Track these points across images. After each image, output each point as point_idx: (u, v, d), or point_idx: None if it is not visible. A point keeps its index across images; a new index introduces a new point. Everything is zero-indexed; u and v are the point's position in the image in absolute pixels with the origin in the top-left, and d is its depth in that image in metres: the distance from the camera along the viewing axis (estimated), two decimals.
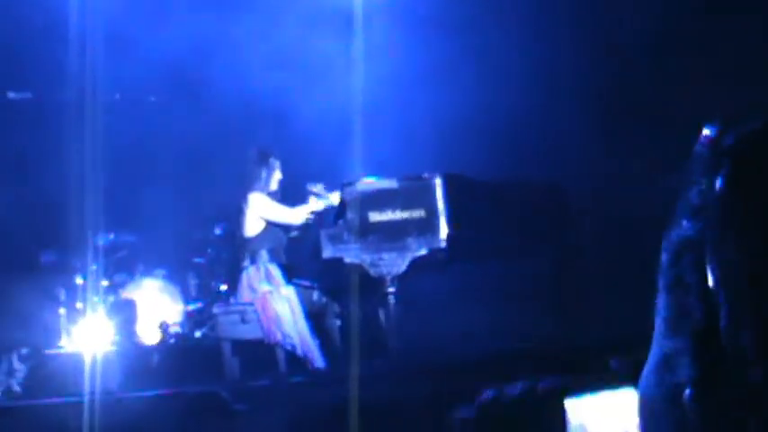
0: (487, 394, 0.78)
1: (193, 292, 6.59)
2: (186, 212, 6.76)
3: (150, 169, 7.14)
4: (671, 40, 5.73)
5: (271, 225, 5.40)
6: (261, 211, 5.35)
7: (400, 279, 5.04)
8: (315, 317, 5.29)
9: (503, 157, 5.89)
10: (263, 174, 5.42)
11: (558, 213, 5.53)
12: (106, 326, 6.24)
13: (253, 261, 5.37)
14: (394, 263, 5.03)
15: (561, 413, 0.81)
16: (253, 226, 5.39)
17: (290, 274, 5.42)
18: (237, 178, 5.47)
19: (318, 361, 5.11)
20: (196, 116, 7.21)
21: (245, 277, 5.38)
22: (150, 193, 7.01)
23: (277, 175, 5.49)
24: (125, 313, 6.27)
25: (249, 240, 5.41)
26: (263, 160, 5.45)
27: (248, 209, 5.34)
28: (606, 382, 0.84)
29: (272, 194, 5.45)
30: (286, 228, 5.49)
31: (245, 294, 5.33)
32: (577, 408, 0.80)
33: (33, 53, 6.80)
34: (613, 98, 5.96)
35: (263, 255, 5.35)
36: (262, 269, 5.35)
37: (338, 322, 5.39)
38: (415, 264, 5.04)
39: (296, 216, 5.37)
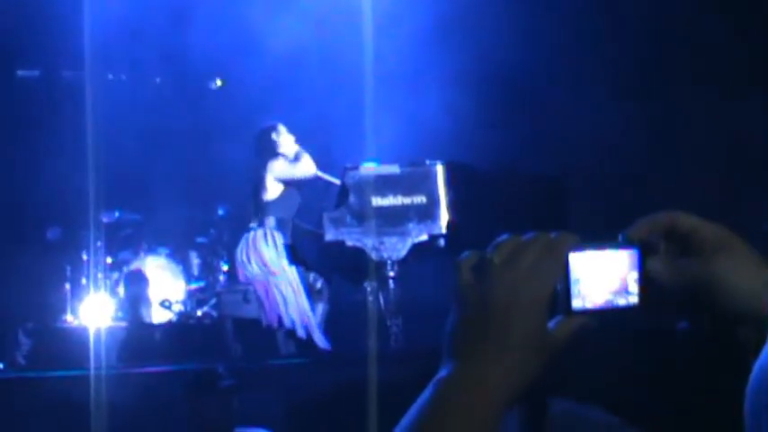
0: (502, 237, 0.84)
1: (196, 271, 6.58)
2: (190, 193, 6.73)
3: (156, 149, 7.09)
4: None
5: (288, 192, 5.32)
6: (280, 172, 5.28)
7: (401, 263, 5.05)
8: (310, 298, 5.26)
9: (512, 147, 5.84)
10: (274, 145, 5.36)
11: (559, 205, 5.51)
12: (112, 300, 6.21)
13: (261, 224, 5.30)
14: (395, 247, 5.05)
15: (565, 265, 0.84)
16: (272, 190, 5.32)
17: (293, 253, 5.38)
18: (254, 152, 5.41)
19: (322, 341, 5.08)
20: (202, 98, 7.20)
21: (250, 238, 5.29)
22: (156, 172, 6.98)
23: (288, 140, 5.43)
24: (138, 285, 6.22)
25: (265, 204, 5.32)
26: (269, 133, 5.41)
27: (267, 174, 5.28)
28: (610, 244, 0.87)
29: (289, 157, 5.39)
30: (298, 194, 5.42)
31: (245, 264, 5.27)
32: (579, 261, 0.85)
33: (40, 31, 6.75)
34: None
35: (272, 221, 5.31)
36: (268, 234, 5.27)
37: (325, 307, 5.33)
38: (416, 249, 5.05)
39: (306, 166, 5.30)
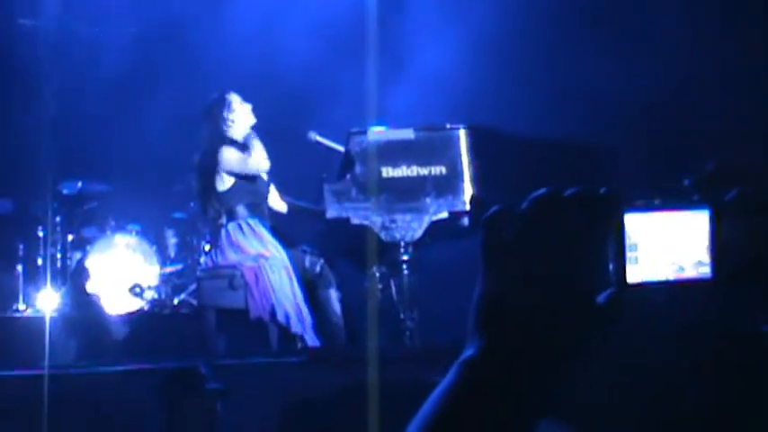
0: (541, 190, 0.85)
1: (172, 252, 6.55)
2: (166, 160, 6.65)
3: (127, 110, 7.03)
4: None
5: (244, 179, 5.29)
6: (229, 164, 5.19)
7: (416, 245, 4.98)
8: (307, 286, 5.17)
9: (544, 112, 5.77)
10: (224, 124, 5.24)
11: (600, 177, 5.41)
12: (72, 285, 6.26)
13: (231, 218, 5.25)
14: (409, 226, 4.96)
15: (619, 227, 0.82)
16: (227, 179, 5.24)
17: (279, 236, 5.27)
18: (202, 132, 5.32)
19: (312, 338, 4.98)
20: (181, 55, 7.11)
21: (223, 236, 5.27)
22: (126, 136, 6.93)
23: (244, 120, 5.30)
24: (77, 276, 6.17)
25: (226, 195, 5.28)
26: (220, 108, 5.30)
27: (217, 165, 5.23)
28: (676, 201, 0.84)
29: (240, 144, 5.26)
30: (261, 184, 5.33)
31: (228, 255, 5.18)
32: (637, 223, 0.82)
33: None
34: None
35: (241, 210, 5.27)
36: (244, 225, 5.23)
37: (337, 294, 5.24)
38: (434, 228, 4.97)
39: (257, 159, 5.19)
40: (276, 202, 5.56)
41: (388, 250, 4.98)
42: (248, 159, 5.24)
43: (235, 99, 5.34)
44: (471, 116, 5.36)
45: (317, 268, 5.27)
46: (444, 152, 5.01)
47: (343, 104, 6.58)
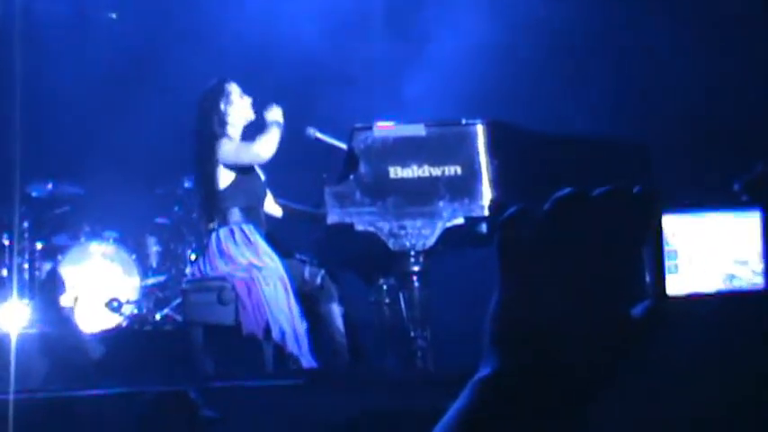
0: (565, 190, 0.85)
1: (154, 262, 6.56)
2: (148, 159, 6.66)
3: (105, 104, 7.05)
4: None
5: (243, 177, 5.31)
6: (228, 157, 5.21)
7: (428, 255, 4.96)
8: (305, 301, 5.18)
9: (571, 106, 5.79)
10: (219, 117, 5.26)
11: (635, 177, 5.40)
12: (41, 298, 6.28)
13: (223, 222, 5.26)
14: (420, 233, 4.95)
15: (657, 231, 0.81)
16: (224, 177, 5.28)
17: (275, 244, 5.28)
18: (196, 125, 5.35)
19: (307, 358, 5.00)
20: (168, 46, 7.17)
21: (213, 242, 5.27)
22: (103, 133, 6.96)
23: (243, 116, 5.33)
24: (48, 289, 6.20)
25: (217, 195, 5.28)
26: (217, 99, 5.31)
27: (215, 159, 5.22)
28: (722, 202, 0.84)
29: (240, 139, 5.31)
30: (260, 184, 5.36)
31: (217, 265, 5.19)
32: (678, 226, 0.82)
33: None
34: None
35: (236, 214, 5.28)
36: (237, 232, 5.22)
37: (339, 309, 5.25)
38: (448, 236, 4.95)
39: (264, 147, 5.20)
40: (270, 205, 5.56)
41: (396, 260, 4.98)
42: (252, 146, 5.25)
43: (234, 90, 5.36)
44: (489, 111, 5.37)
45: (317, 280, 5.27)
46: (460, 150, 5.00)
47: (347, 97, 6.60)
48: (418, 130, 5.05)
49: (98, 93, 7.07)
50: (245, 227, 5.26)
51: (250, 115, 5.39)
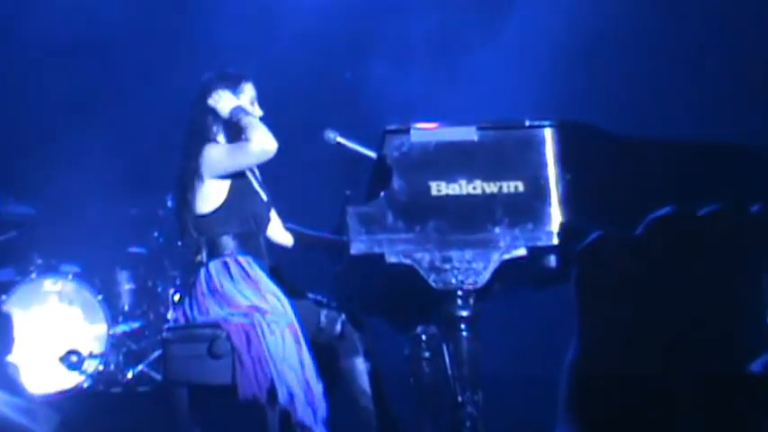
0: (662, 210, 0.87)
1: (126, 304, 6.59)
2: (122, 172, 6.71)
3: (64, 102, 7.12)
4: None
5: (239, 194, 5.36)
6: (214, 165, 5.25)
7: (480, 295, 4.97)
8: (321, 354, 5.20)
9: (664, 105, 5.82)
10: (214, 116, 5.33)
11: (749, 192, 5.40)
12: None
13: (213, 254, 5.29)
14: (470, 268, 4.96)
15: None
16: (207, 198, 5.29)
17: (282, 281, 5.32)
18: (186, 130, 5.44)
19: (323, 429, 5.05)
20: (151, 45, 7.29)
21: (202, 278, 5.30)
22: (62, 138, 7.01)
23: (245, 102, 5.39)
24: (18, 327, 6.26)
25: (204, 221, 5.33)
26: (216, 86, 5.38)
27: (201, 169, 5.25)
28: None
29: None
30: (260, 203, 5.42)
31: (207, 307, 5.23)
32: None
33: None
34: None
35: (228, 243, 5.33)
36: (232, 265, 5.26)
37: (366, 365, 5.27)
38: (505, 271, 4.97)
39: (264, 138, 5.22)
40: (277, 231, 5.61)
41: (439, 302, 4.98)
42: (244, 145, 5.28)
43: (248, 92, 5.43)
44: (560, 112, 5.41)
45: (337, 327, 5.30)
46: (522, 160, 5.03)
47: (375, 95, 6.65)
48: (469, 133, 5.07)
49: (57, 87, 7.15)
50: (242, 259, 5.30)
51: (256, 113, 5.44)
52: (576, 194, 5.05)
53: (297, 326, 5.17)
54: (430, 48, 7.13)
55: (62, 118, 7.15)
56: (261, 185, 5.50)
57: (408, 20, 7.44)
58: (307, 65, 6.89)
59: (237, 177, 5.36)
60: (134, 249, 6.70)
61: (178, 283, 6.28)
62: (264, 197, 5.50)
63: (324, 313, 5.32)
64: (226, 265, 5.30)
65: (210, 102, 5.40)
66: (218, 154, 5.30)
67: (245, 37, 7.24)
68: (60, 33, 7.45)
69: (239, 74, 5.49)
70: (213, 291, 5.29)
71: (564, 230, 5.00)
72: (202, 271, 5.33)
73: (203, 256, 5.35)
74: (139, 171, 6.66)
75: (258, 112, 5.44)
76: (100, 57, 7.47)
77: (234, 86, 5.43)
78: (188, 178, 5.34)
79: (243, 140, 5.28)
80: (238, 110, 5.33)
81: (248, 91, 5.45)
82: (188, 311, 5.36)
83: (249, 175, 5.44)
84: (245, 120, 5.30)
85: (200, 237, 5.37)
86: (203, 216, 5.34)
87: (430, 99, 6.31)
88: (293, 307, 5.24)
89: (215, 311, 5.26)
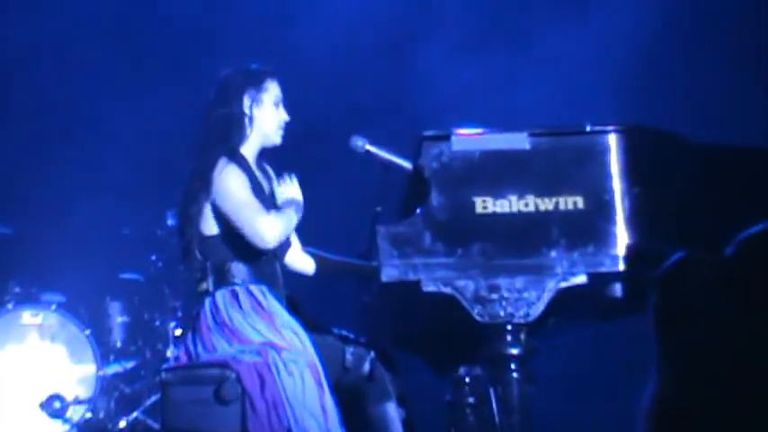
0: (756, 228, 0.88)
1: (119, 341, 6.60)
2: (112, 189, 6.73)
3: (52, 108, 7.19)
4: None
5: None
6: (225, 194, 5.27)
7: (533, 330, 5.00)
8: (346, 399, 5.19)
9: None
10: (241, 118, 5.35)
11: None
12: None
13: (221, 281, 5.29)
14: (521, 298, 4.98)
15: None
16: (216, 215, 5.33)
17: (301, 314, 5.34)
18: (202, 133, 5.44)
19: None
20: (157, 42, 7.37)
21: (207, 310, 5.30)
22: (46, 147, 7.05)
23: (268, 127, 5.41)
24: None
25: (211, 242, 5.35)
26: (245, 88, 5.40)
27: (217, 182, 5.27)
28: None
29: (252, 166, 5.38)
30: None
31: (214, 344, 5.24)
32: None
33: None
34: None
35: (239, 269, 5.33)
36: (242, 295, 5.26)
37: (399, 411, 5.28)
38: (563, 302, 4.99)
39: (273, 228, 5.24)
40: (295, 256, 5.62)
41: (484, 338, 5.01)
42: (259, 215, 5.26)
43: (272, 91, 5.43)
44: (624, 115, 5.41)
45: (366, 367, 5.29)
46: (582, 172, 5.06)
47: (412, 98, 6.68)
48: (520, 141, 5.10)
49: (40, 90, 7.21)
50: (254, 288, 5.30)
51: (277, 138, 5.46)
52: (645, 211, 5.07)
53: (319, 366, 5.16)
54: (478, 43, 7.16)
55: (44, 123, 7.19)
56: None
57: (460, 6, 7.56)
58: (335, 62, 6.92)
59: (253, 186, 5.38)
60: (127, 276, 6.72)
61: (180, 315, 6.28)
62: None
63: (350, 351, 5.30)
64: (235, 294, 5.29)
65: (253, 107, 5.44)
66: (232, 188, 5.30)
67: (266, 28, 7.29)
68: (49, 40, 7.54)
69: (263, 70, 5.51)
70: (220, 324, 5.29)
71: (632, 253, 5.01)
72: (208, 301, 5.33)
73: (209, 283, 5.35)
74: (134, 184, 6.67)
75: (284, 116, 5.47)
76: (89, 61, 7.53)
77: (257, 85, 5.46)
78: (196, 191, 5.36)
79: (257, 207, 5.31)
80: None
81: (273, 90, 5.48)
82: (191, 348, 5.36)
83: (265, 184, 5.46)
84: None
85: (205, 261, 5.39)
86: (210, 237, 5.35)
87: (476, 100, 6.32)
88: (314, 343, 5.24)
89: (222, 348, 5.26)
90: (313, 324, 5.35)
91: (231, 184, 5.27)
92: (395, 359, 5.43)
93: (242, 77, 5.45)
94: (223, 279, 5.31)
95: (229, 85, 5.46)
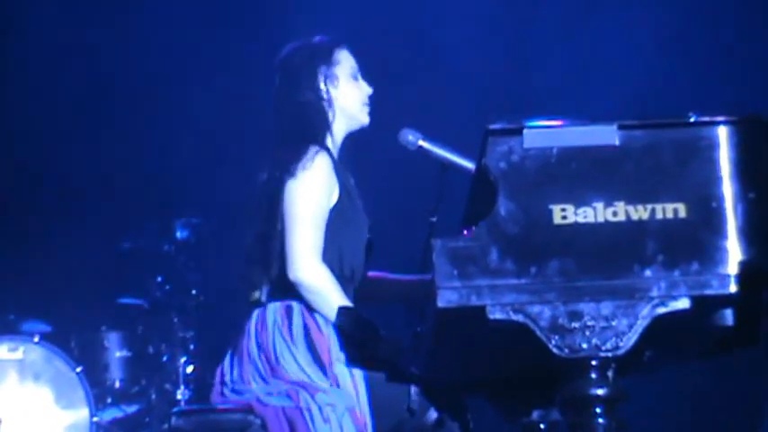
0: None
1: (117, 378, 6.63)
2: (107, 193, 6.78)
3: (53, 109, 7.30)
4: None
5: (335, 219, 5.53)
6: (296, 207, 5.35)
7: (624, 366, 5.00)
8: None
9: None
10: (319, 101, 5.42)
11: None
12: None
13: (276, 293, 5.47)
14: (609, 327, 4.97)
15: None
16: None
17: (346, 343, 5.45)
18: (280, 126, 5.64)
19: None
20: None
21: (252, 329, 5.44)
22: (29, 150, 7.13)
23: (350, 106, 5.48)
24: None
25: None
26: (314, 64, 5.54)
27: (294, 180, 5.43)
28: None
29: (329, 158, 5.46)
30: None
31: (250, 377, 5.29)
32: None
33: None
34: None
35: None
36: (297, 315, 5.42)
37: None
38: (661, 331, 4.97)
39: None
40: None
41: (564, 376, 5.01)
42: (294, 252, 5.41)
43: (345, 62, 5.62)
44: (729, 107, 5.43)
45: (432, 416, 5.40)
46: (685, 173, 5.05)
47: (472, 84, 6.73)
48: (607, 135, 5.09)
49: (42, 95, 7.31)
50: (318, 317, 5.42)
51: (363, 117, 5.52)
52: (763, 221, 5.04)
53: (363, 411, 5.22)
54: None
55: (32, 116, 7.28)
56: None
57: None
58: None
59: (344, 191, 5.47)
60: (127, 301, 6.74)
61: (192, 348, 6.30)
62: (368, 228, 5.64)
63: (415, 390, 5.37)
64: (289, 311, 5.39)
65: (330, 85, 5.52)
66: (292, 203, 5.38)
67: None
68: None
69: (328, 41, 5.56)
70: (261, 348, 5.35)
71: (745, 273, 5.00)
72: (255, 314, 5.42)
73: (262, 293, 5.43)
74: (135, 188, 6.72)
75: (366, 88, 5.53)
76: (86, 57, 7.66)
77: (326, 59, 5.51)
78: (268, 189, 5.50)
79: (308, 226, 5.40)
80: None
81: (345, 61, 5.55)
82: (227, 372, 5.42)
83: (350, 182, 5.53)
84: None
85: (260, 276, 5.45)
86: (274, 237, 5.44)
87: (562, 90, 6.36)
88: (366, 382, 5.31)
89: (254, 383, 5.32)
90: (360, 356, 5.39)
91: (313, 181, 5.37)
92: (465, 402, 5.48)
93: (306, 54, 5.51)
94: (279, 290, 5.39)
95: (295, 66, 5.52)
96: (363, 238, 5.56)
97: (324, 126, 5.48)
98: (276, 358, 5.31)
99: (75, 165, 7.23)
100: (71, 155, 7.40)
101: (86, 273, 6.91)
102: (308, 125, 5.48)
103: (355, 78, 5.56)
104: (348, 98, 5.54)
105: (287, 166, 5.38)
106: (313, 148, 5.40)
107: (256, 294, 5.44)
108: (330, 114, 5.51)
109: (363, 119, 5.57)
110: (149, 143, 7.03)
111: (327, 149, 5.48)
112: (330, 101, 5.50)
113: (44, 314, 6.81)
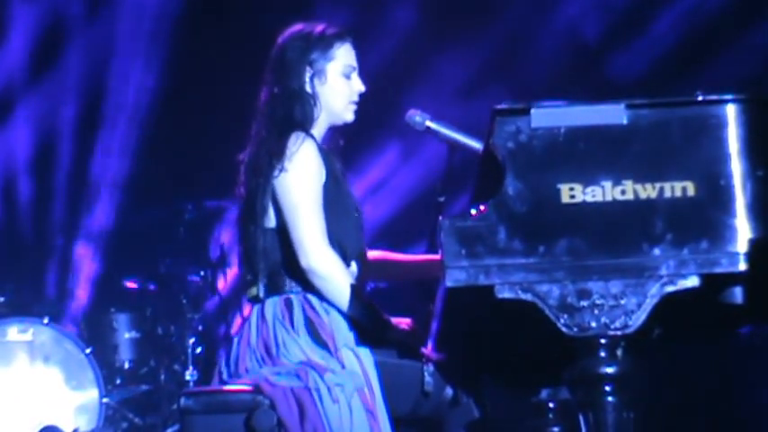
0: None
1: (126, 359, 6.62)
2: (115, 170, 6.78)
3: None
4: None
5: (333, 204, 5.51)
6: (279, 194, 5.33)
7: (633, 345, 4.98)
8: (427, 428, 5.25)
9: None
10: (301, 98, 5.43)
11: None
12: None
13: (274, 287, 5.40)
14: (618, 306, 4.95)
15: None
16: (271, 209, 5.47)
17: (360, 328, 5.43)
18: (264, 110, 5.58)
19: None
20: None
21: (253, 323, 5.40)
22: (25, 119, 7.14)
23: (338, 102, 5.46)
24: None
25: (269, 238, 5.48)
26: (305, 55, 5.51)
27: (285, 170, 5.40)
28: None
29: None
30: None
31: (248, 364, 5.27)
32: None
33: None
34: None
35: (300, 274, 5.45)
36: (297, 307, 5.37)
37: None
38: (670, 309, 4.96)
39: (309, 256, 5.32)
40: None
41: (573, 354, 4.99)
42: (300, 240, 5.38)
43: (342, 57, 5.55)
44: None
45: (448, 390, 5.38)
46: (693, 151, 5.03)
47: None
48: (615, 114, 5.07)
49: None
50: (313, 299, 5.41)
51: (347, 115, 5.52)
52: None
53: (374, 390, 5.22)
54: None
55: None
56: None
57: None
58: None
59: (330, 175, 5.44)
60: (132, 286, 6.72)
61: (200, 329, 6.29)
62: (358, 208, 5.61)
63: (429, 371, 5.36)
64: (288, 304, 5.38)
65: (318, 79, 5.49)
66: (288, 193, 5.37)
67: None
68: None
69: (330, 33, 5.54)
70: (261, 339, 5.34)
71: (755, 250, 5.00)
72: (256, 310, 5.41)
73: (260, 288, 5.44)
74: (145, 164, 6.71)
75: (358, 87, 5.52)
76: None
77: (321, 52, 5.48)
78: (263, 167, 5.43)
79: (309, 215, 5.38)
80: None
81: (342, 57, 5.51)
82: (223, 366, 5.41)
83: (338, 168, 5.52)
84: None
85: (258, 265, 5.45)
86: (268, 230, 5.44)
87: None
88: (377, 366, 5.30)
89: (255, 369, 5.31)
90: (369, 335, 5.38)
91: (293, 189, 5.36)
92: (470, 380, 5.47)
93: (301, 44, 5.49)
94: (277, 285, 5.39)
95: (286, 55, 5.50)
96: (354, 219, 5.54)
97: (307, 117, 5.46)
98: (277, 348, 5.30)
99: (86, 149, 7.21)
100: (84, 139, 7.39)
101: (95, 253, 6.89)
102: (292, 114, 5.46)
103: (347, 77, 5.52)
104: (334, 96, 5.51)
105: (275, 159, 5.37)
106: (297, 136, 5.38)
107: (254, 290, 5.43)
108: (316, 111, 5.48)
109: (347, 117, 5.55)
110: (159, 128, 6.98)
111: (312, 136, 5.45)
112: (315, 96, 5.48)
113: (53, 296, 6.75)
